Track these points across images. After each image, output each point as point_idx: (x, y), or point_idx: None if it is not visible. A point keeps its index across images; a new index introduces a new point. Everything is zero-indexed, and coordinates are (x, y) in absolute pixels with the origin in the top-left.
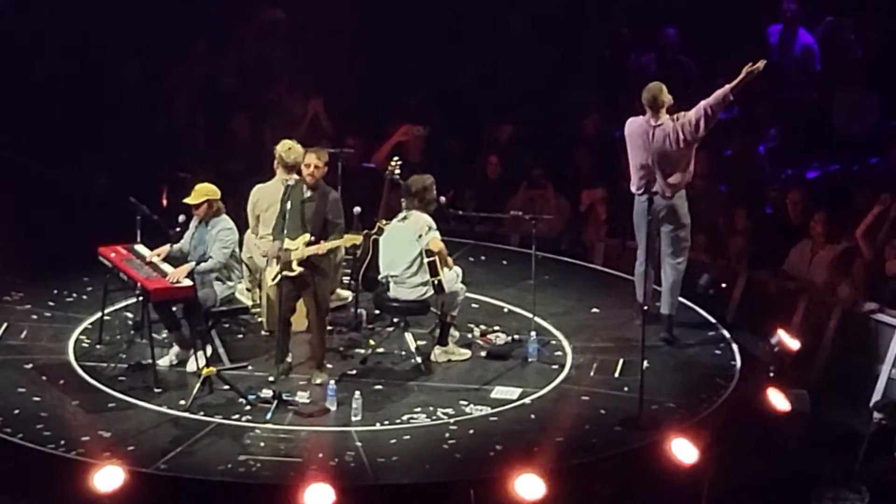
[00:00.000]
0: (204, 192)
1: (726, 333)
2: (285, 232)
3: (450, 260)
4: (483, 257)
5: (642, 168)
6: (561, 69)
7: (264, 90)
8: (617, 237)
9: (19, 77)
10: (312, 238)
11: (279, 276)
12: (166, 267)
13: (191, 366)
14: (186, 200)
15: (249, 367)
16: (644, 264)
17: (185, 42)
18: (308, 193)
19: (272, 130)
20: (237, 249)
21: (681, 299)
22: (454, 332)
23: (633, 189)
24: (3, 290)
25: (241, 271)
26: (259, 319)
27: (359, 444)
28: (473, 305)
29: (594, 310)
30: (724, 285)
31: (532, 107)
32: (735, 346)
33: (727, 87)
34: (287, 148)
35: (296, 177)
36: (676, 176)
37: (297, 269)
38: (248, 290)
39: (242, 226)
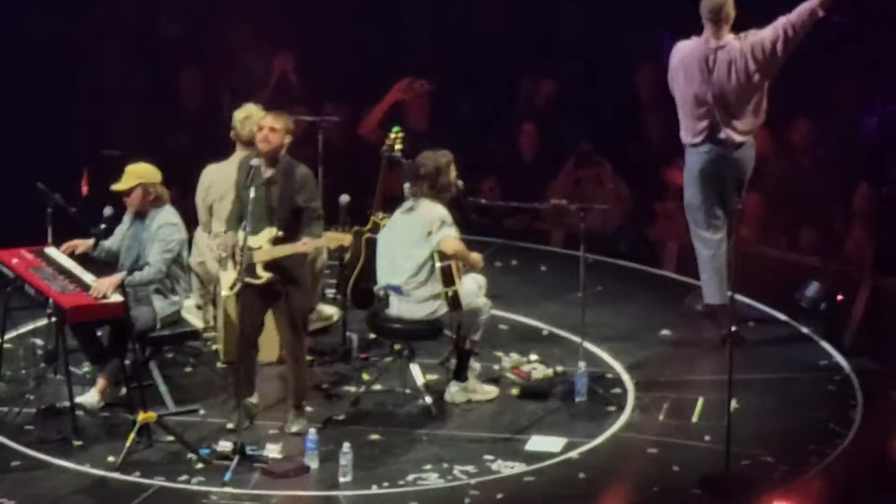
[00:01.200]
0: (137, 174)
1: (843, 363)
2: (244, 224)
3: (476, 257)
4: (515, 262)
5: (700, 106)
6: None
7: (218, 40)
8: None
9: None
10: (281, 234)
11: (238, 284)
12: (88, 277)
13: (93, 397)
14: (114, 187)
15: (201, 412)
16: (720, 247)
17: None
18: (269, 172)
19: (229, 94)
20: (184, 252)
21: (783, 317)
22: (476, 364)
23: (687, 139)
24: None
25: (188, 282)
26: (214, 347)
27: None
28: (502, 327)
29: (664, 332)
30: (840, 298)
31: (579, 57)
32: (856, 381)
33: None
34: (244, 116)
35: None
36: (747, 119)
37: (264, 276)
38: (198, 307)
39: (191, 220)
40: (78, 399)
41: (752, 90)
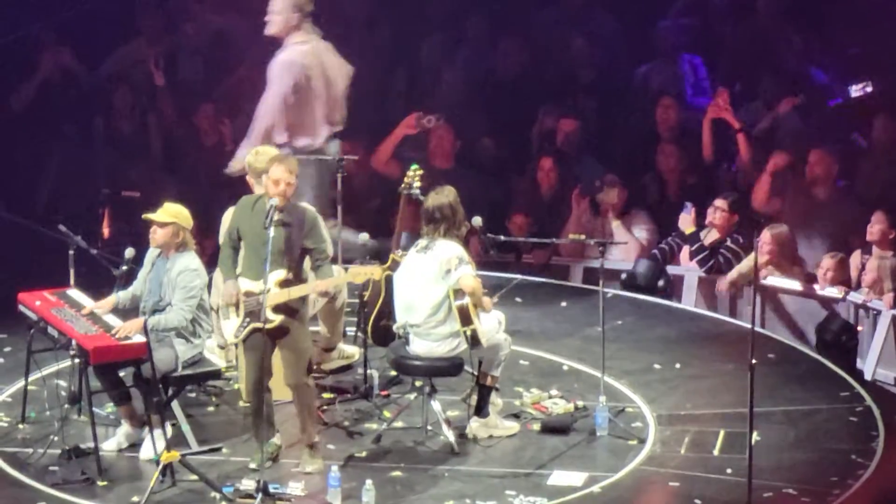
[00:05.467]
0: (173, 213)
1: (864, 393)
2: (242, 269)
3: (488, 301)
4: (534, 298)
5: None
6: (632, 41)
7: (234, 82)
8: (713, 267)
9: None
10: (290, 276)
11: (248, 330)
12: (111, 318)
13: (146, 450)
14: (149, 215)
15: (224, 451)
16: None
17: (125, 15)
18: (277, 215)
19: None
20: (206, 296)
21: (802, 348)
22: (497, 399)
23: None
24: None
25: (210, 323)
26: (236, 386)
27: None
28: (522, 362)
29: (678, 366)
30: (860, 328)
31: (596, 93)
32: (877, 412)
33: None
34: (254, 154)
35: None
36: None
37: (275, 320)
38: (220, 346)
39: (210, 261)
40: (105, 444)
41: None
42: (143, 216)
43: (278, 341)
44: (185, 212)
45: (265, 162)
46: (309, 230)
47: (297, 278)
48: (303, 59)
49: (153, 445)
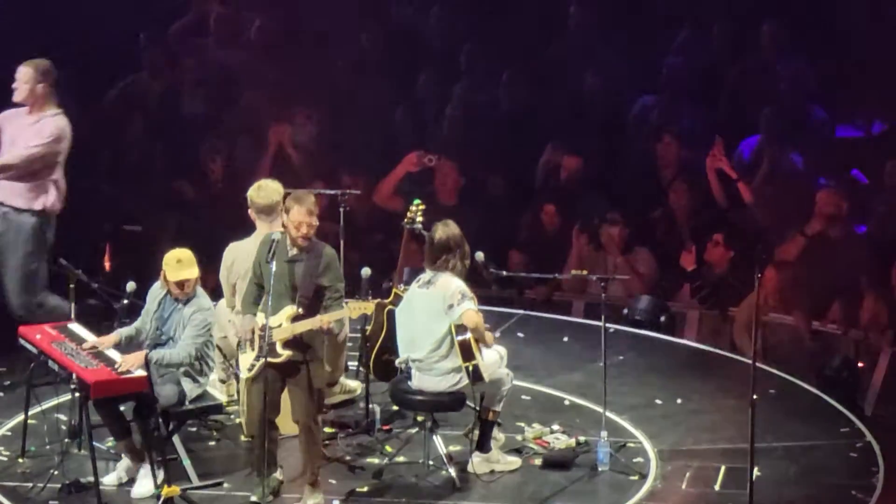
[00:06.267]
0: (190, 260)
1: (864, 430)
2: (262, 304)
3: (490, 337)
4: (536, 333)
5: None
6: (637, 75)
7: (238, 116)
8: (715, 304)
9: None
10: (300, 311)
11: (258, 365)
12: (112, 353)
13: (144, 486)
14: (179, 276)
15: (225, 486)
16: None
17: (127, 48)
18: (293, 251)
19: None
20: (213, 334)
21: (802, 384)
22: (498, 434)
23: None
24: None
25: (213, 358)
26: (237, 420)
27: None
28: (524, 398)
29: (679, 401)
30: (861, 365)
31: (600, 129)
32: (877, 448)
33: None
34: (256, 188)
35: (279, 229)
36: None
37: (284, 354)
38: (221, 381)
39: (212, 295)
40: (105, 479)
41: None
42: (174, 280)
43: (289, 378)
44: (189, 252)
45: (267, 198)
46: (325, 268)
47: (309, 315)
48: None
49: (154, 481)
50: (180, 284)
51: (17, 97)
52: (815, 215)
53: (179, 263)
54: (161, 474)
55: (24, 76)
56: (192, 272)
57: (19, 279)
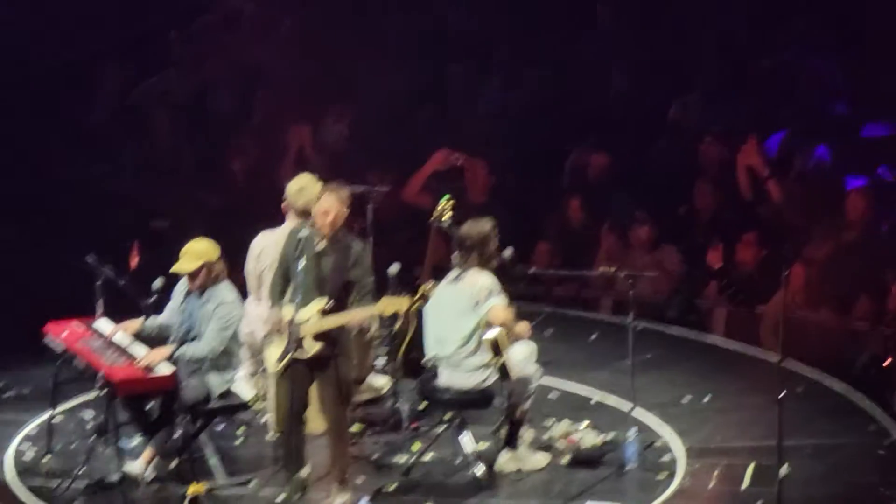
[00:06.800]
0: (199, 253)
1: (892, 427)
2: (291, 297)
3: (523, 326)
4: (564, 330)
5: None
6: (663, 72)
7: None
8: (743, 301)
9: None
10: (330, 304)
11: (288, 358)
12: (137, 349)
13: (138, 465)
14: (178, 269)
15: (252, 483)
16: None
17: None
18: (322, 245)
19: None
20: (240, 328)
21: (830, 382)
22: (527, 432)
23: None
24: None
25: (239, 353)
26: (265, 418)
27: None
28: (552, 395)
29: (707, 399)
30: (889, 361)
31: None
32: None
33: None
34: (298, 188)
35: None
36: None
37: (312, 349)
38: (251, 374)
39: (240, 290)
40: (126, 468)
41: None
42: (171, 271)
43: (318, 373)
44: (208, 243)
45: (306, 201)
46: (354, 263)
47: (338, 310)
48: None
49: (147, 463)
50: (190, 276)
51: None
52: (846, 224)
53: (182, 255)
54: (153, 465)
55: None
56: (189, 265)
57: None
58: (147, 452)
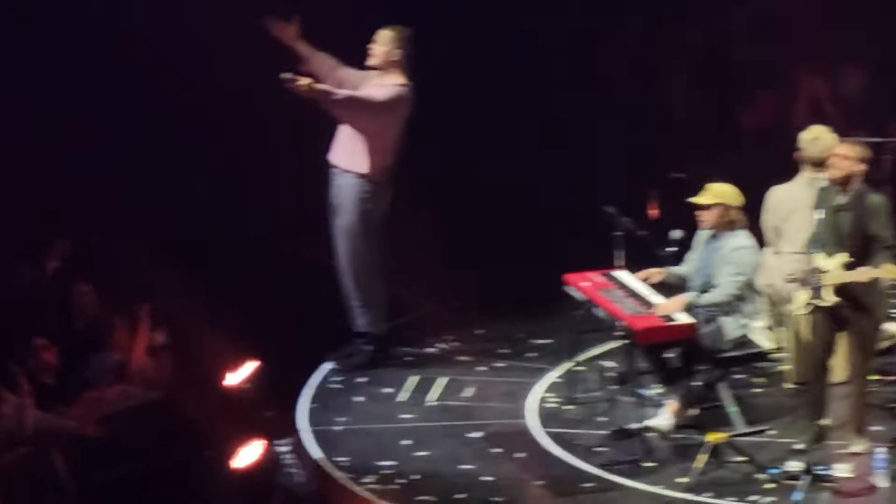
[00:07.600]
0: (718, 193)
1: None
2: (808, 247)
3: None
4: None
5: None
6: None
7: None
8: None
9: None
10: (852, 259)
11: (808, 306)
12: (657, 299)
13: (664, 419)
14: (693, 199)
15: (771, 432)
16: None
17: None
18: (841, 199)
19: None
20: (758, 278)
21: None
22: None
23: None
24: (439, 333)
25: (757, 304)
26: (783, 368)
27: None
28: None
29: None
30: None
31: None
32: None
33: None
34: (812, 137)
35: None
36: None
37: (831, 300)
38: (769, 328)
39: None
40: (650, 422)
41: None
42: (687, 199)
43: (841, 324)
44: (732, 190)
45: (819, 151)
46: (872, 215)
47: (860, 264)
48: None
49: (671, 418)
50: (704, 212)
51: (371, 61)
52: None
53: (703, 191)
54: (669, 416)
55: (383, 40)
56: (706, 199)
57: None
58: (671, 404)
